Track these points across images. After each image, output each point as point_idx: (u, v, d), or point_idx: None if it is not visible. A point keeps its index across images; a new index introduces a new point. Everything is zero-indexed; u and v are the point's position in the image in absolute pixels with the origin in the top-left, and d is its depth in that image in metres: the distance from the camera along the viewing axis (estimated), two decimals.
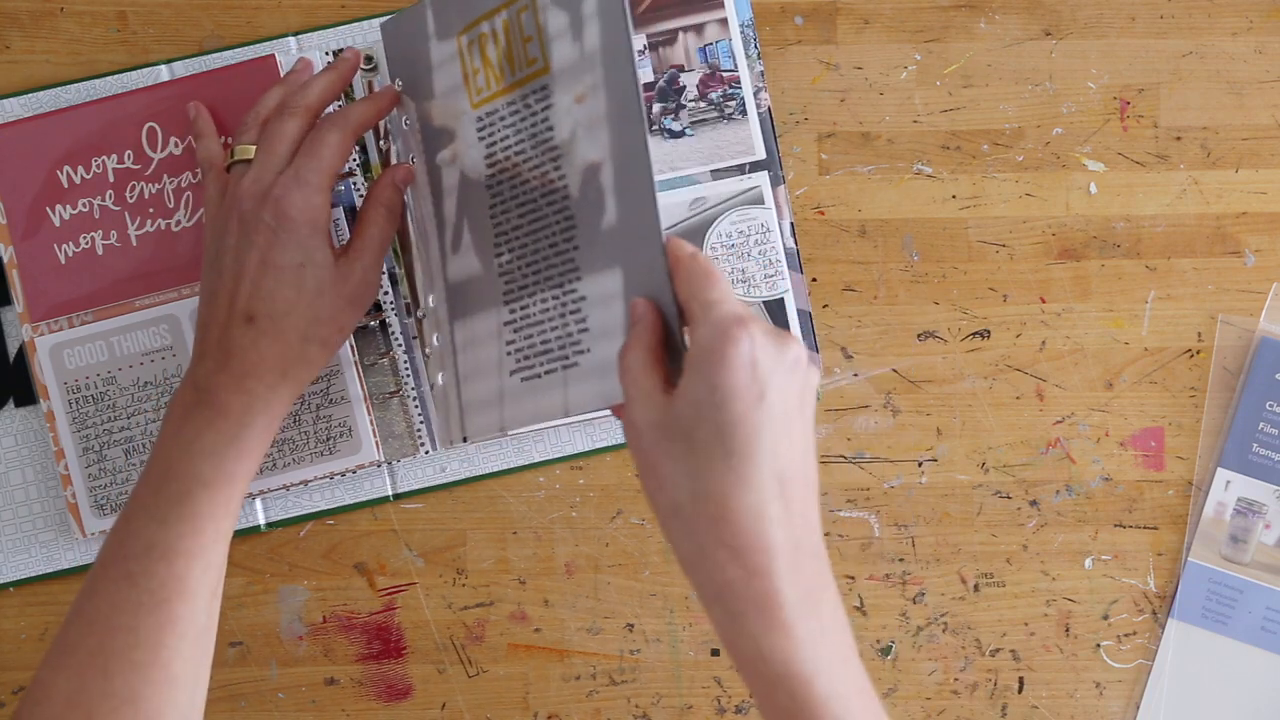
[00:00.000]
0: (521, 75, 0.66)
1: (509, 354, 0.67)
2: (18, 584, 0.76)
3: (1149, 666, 0.76)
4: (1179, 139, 0.78)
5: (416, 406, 0.76)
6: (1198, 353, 0.78)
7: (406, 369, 0.76)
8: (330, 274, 0.67)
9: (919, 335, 0.78)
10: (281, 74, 0.75)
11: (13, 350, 0.77)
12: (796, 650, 0.55)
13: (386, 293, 0.76)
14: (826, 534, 0.77)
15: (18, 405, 0.77)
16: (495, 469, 0.77)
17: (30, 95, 0.77)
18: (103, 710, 0.61)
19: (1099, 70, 0.78)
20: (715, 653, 0.77)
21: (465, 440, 0.71)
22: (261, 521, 0.76)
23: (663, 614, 0.77)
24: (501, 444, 0.77)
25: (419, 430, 0.76)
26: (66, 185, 0.75)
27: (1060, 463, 0.77)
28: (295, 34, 0.77)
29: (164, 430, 0.66)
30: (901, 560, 0.77)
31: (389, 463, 0.76)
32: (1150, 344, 0.78)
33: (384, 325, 0.76)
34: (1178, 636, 0.76)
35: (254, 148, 0.68)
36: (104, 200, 0.76)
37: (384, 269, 0.74)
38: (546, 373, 0.65)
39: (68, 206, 0.75)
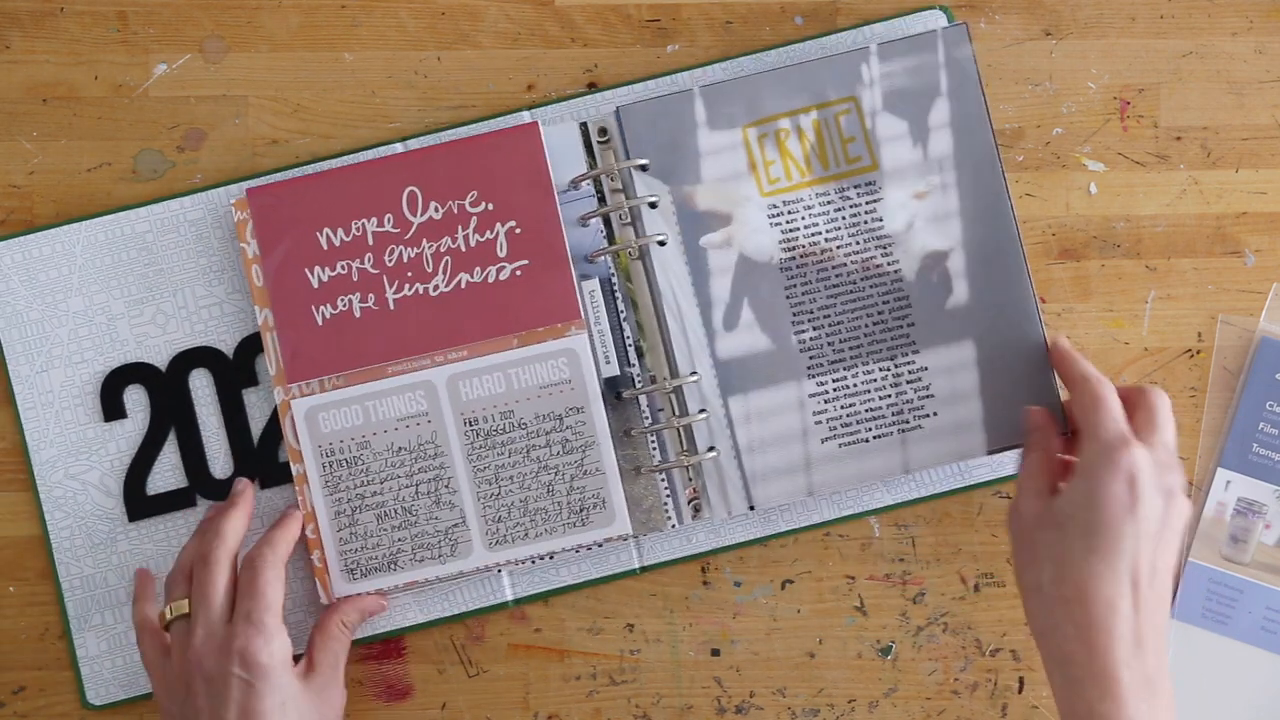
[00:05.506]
0: (840, 171, 0.74)
1: (818, 423, 0.74)
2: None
3: None
4: (1179, 139, 0.78)
5: (663, 479, 0.75)
6: (1198, 353, 0.78)
7: (654, 443, 0.75)
8: (306, 700, 0.69)
9: None
10: (545, 143, 0.74)
11: (256, 432, 0.76)
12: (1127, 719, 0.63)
13: (632, 365, 0.75)
14: (825, 534, 0.77)
15: (263, 488, 0.76)
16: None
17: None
18: None
19: (1099, 70, 0.78)
20: (715, 652, 0.77)
21: (752, 509, 0.74)
22: (509, 597, 0.76)
23: (663, 614, 0.77)
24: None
25: (665, 504, 0.75)
26: (326, 247, 0.74)
27: None
28: (529, 109, 0.77)
29: None
30: (902, 560, 0.77)
31: (636, 537, 0.75)
32: (1150, 344, 0.78)
33: (637, 398, 0.75)
34: (1178, 636, 0.76)
35: (187, 602, 0.69)
36: (363, 263, 0.74)
37: (630, 344, 0.75)
38: (877, 437, 0.74)
39: (326, 269, 0.74)
